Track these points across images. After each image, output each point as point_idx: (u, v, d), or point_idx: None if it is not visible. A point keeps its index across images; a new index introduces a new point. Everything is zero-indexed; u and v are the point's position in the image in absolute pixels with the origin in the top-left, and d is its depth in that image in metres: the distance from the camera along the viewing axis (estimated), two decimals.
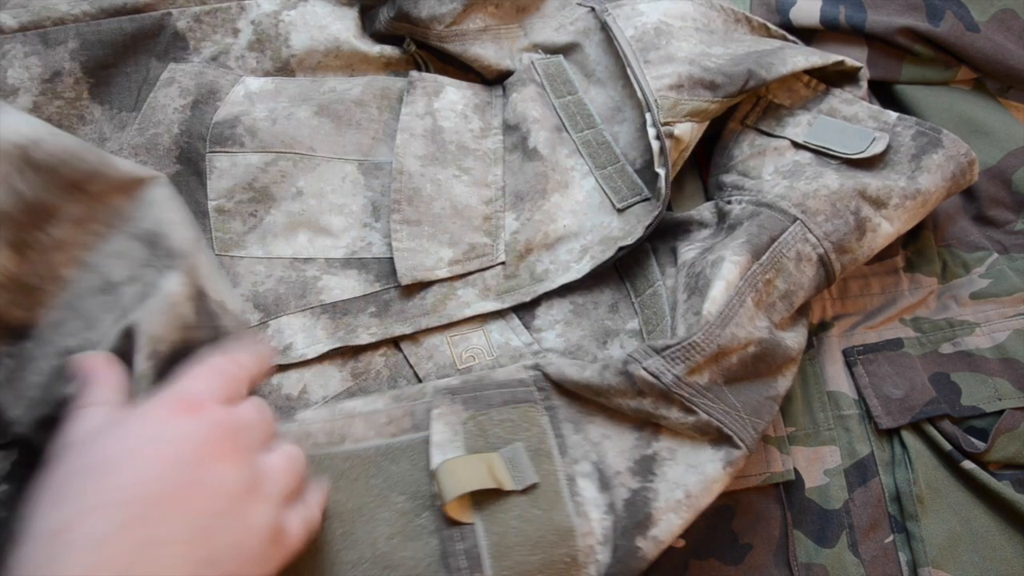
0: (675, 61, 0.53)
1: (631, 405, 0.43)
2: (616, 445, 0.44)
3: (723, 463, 0.43)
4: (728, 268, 0.45)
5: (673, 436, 0.44)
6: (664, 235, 0.54)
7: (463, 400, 0.44)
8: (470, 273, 0.52)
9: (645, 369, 0.42)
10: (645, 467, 0.43)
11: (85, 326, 0.39)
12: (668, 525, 0.42)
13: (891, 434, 0.52)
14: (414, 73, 0.57)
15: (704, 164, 0.60)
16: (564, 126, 0.57)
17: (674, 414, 0.43)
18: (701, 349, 0.43)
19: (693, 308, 0.45)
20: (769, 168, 0.53)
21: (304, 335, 0.50)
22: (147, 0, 0.55)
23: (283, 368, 0.49)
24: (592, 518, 0.42)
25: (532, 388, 0.45)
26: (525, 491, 0.42)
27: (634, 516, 0.42)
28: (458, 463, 0.41)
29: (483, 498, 0.41)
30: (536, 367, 0.46)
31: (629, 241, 0.51)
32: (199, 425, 0.34)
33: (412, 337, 0.51)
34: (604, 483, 0.43)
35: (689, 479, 0.42)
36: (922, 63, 0.61)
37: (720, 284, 0.45)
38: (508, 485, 0.41)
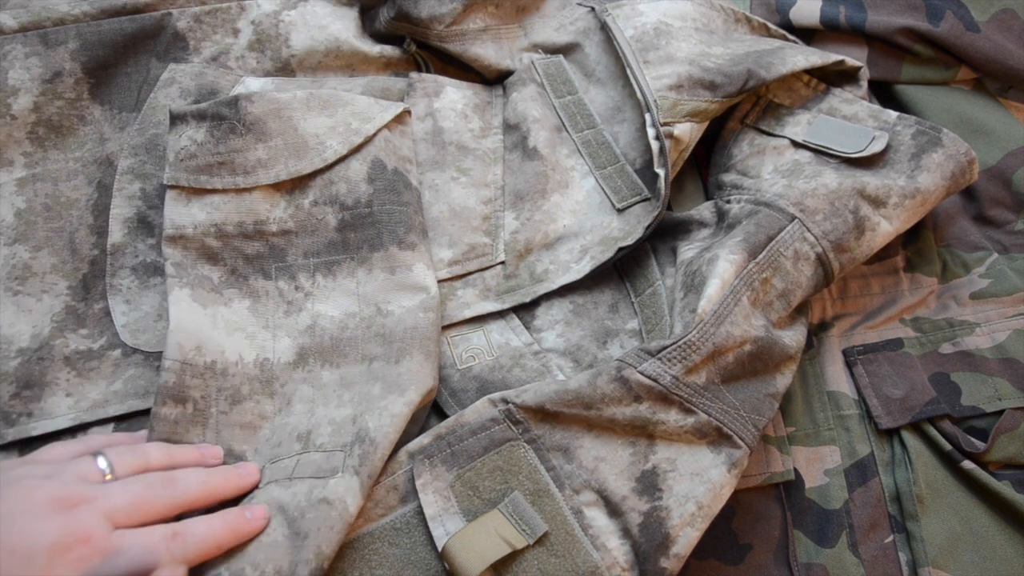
0: (675, 61, 0.53)
1: (626, 413, 0.42)
2: (613, 467, 0.43)
3: (726, 466, 0.43)
4: (723, 266, 0.45)
5: (669, 444, 0.43)
6: (664, 235, 0.54)
7: (442, 460, 0.43)
8: (470, 273, 0.52)
9: (642, 373, 0.42)
10: (649, 484, 0.42)
11: None
12: (687, 539, 0.42)
13: (891, 434, 0.52)
14: (414, 74, 0.57)
15: (704, 164, 0.60)
16: (564, 126, 0.57)
17: (672, 417, 0.43)
18: (697, 348, 0.43)
19: (689, 306, 0.45)
20: (768, 167, 0.53)
21: None
22: (147, 0, 0.55)
23: None
24: (611, 547, 0.41)
25: (506, 424, 0.43)
26: (538, 541, 0.41)
27: (652, 539, 0.41)
28: (464, 537, 0.40)
29: (498, 562, 0.40)
30: (504, 400, 0.44)
31: (629, 241, 0.51)
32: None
33: None
34: (612, 509, 0.42)
35: (698, 490, 0.42)
36: (922, 63, 0.61)
37: (715, 282, 0.45)
38: (520, 543, 0.40)
